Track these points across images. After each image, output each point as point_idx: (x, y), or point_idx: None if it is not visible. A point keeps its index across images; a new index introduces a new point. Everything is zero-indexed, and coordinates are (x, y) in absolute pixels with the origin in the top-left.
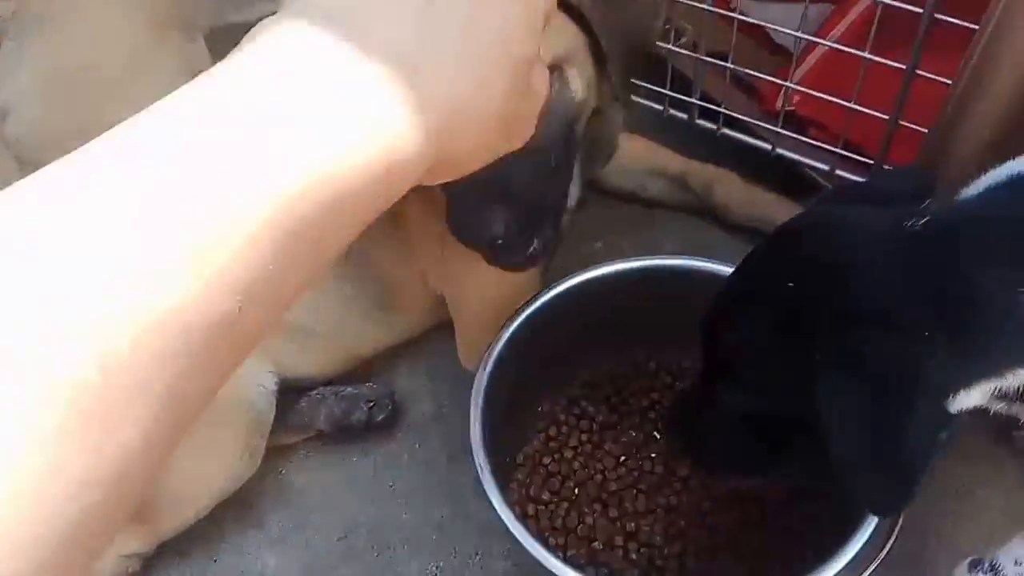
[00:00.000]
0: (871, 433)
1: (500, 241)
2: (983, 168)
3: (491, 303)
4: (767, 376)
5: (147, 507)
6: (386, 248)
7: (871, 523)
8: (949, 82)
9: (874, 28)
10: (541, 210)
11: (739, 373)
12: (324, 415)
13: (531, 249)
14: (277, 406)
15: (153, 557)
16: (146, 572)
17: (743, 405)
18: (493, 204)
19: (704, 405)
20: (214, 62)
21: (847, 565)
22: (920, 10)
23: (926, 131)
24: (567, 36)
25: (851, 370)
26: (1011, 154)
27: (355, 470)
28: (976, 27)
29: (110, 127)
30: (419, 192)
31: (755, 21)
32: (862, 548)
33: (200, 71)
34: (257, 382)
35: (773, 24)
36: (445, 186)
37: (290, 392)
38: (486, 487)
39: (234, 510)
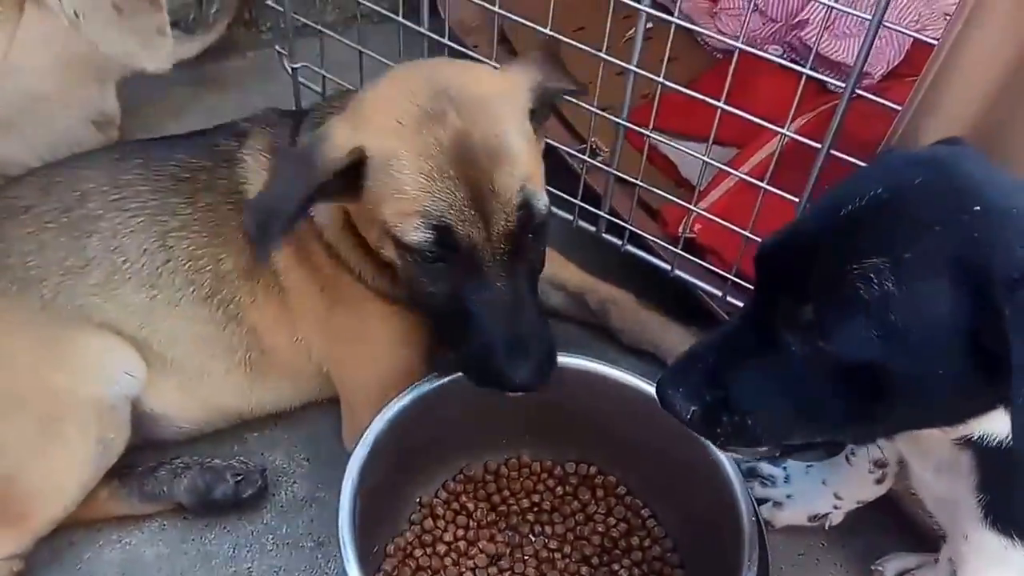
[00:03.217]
0: None
1: None
2: None
3: (379, 382)
4: (911, 316)
5: (5, 511)
6: (265, 310)
7: None
8: None
9: (773, 163)
10: None
11: (872, 312)
12: (186, 485)
13: None
14: (134, 476)
15: None
16: None
17: (859, 351)
18: None
19: (760, 358)
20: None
21: None
22: (819, 145)
23: None
24: None
25: None
26: None
27: (213, 548)
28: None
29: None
30: (302, 261)
31: (670, 142)
32: None
33: (105, 115)
34: (107, 374)
35: (679, 161)
36: None
37: (152, 459)
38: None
39: None
